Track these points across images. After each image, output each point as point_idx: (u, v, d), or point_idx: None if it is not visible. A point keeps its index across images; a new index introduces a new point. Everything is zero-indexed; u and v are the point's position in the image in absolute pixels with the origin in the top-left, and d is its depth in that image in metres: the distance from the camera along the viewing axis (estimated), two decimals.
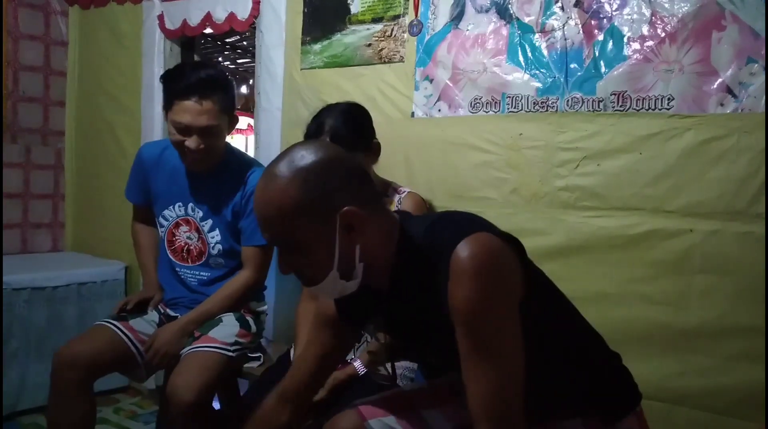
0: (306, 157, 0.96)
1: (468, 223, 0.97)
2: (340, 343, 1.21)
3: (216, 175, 1.84)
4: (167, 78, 1.75)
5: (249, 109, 4.61)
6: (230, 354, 1.76)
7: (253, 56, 2.40)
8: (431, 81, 1.97)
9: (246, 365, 1.91)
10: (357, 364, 1.60)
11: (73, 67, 3.17)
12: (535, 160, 1.80)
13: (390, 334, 1.20)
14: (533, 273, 1.02)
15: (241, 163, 1.89)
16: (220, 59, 5.84)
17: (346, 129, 1.64)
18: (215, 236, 1.88)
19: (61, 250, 3.24)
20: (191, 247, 1.91)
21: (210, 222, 1.87)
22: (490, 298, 0.89)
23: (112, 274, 2.75)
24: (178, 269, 1.93)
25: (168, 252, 1.94)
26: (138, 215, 2.06)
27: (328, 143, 1.08)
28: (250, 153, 2.39)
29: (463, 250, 0.89)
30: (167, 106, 1.73)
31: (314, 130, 1.65)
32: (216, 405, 1.89)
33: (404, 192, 1.77)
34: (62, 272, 2.66)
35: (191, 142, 1.70)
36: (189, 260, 1.92)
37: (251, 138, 3.21)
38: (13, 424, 2.42)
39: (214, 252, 1.89)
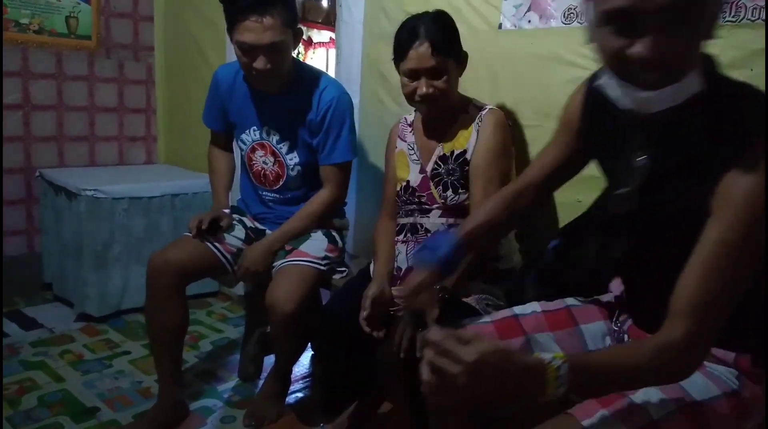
0: None
1: None
2: (573, 165, 1.22)
3: (288, 94, 1.83)
4: None
5: (330, 22, 4.52)
6: (321, 267, 1.83)
7: None
8: None
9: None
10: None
11: None
12: None
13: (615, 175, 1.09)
14: None
15: (312, 78, 1.86)
16: None
17: (444, 33, 1.56)
18: (293, 158, 1.89)
19: (154, 162, 3.41)
20: (267, 172, 1.93)
21: (287, 144, 1.88)
22: None
23: (202, 187, 2.84)
24: (259, 191, 1.98)
25: (249, 175, 1.98)
26: (215, 140, 2.07)
27: None
28: (331, 68, 2.36)
29: None
30: (230, 27, 1.70)
31: (407, 38, 1.56)
32: None
33: (486, 108, 1.68)
34: (157, 183, 2.80)
35: (259, 63, 1.68)
36: (267, 184, 1.95)
37: (333, 52, 3.17)
38: (119, 321, 2.65)
39: (293, 173, 1.90)
